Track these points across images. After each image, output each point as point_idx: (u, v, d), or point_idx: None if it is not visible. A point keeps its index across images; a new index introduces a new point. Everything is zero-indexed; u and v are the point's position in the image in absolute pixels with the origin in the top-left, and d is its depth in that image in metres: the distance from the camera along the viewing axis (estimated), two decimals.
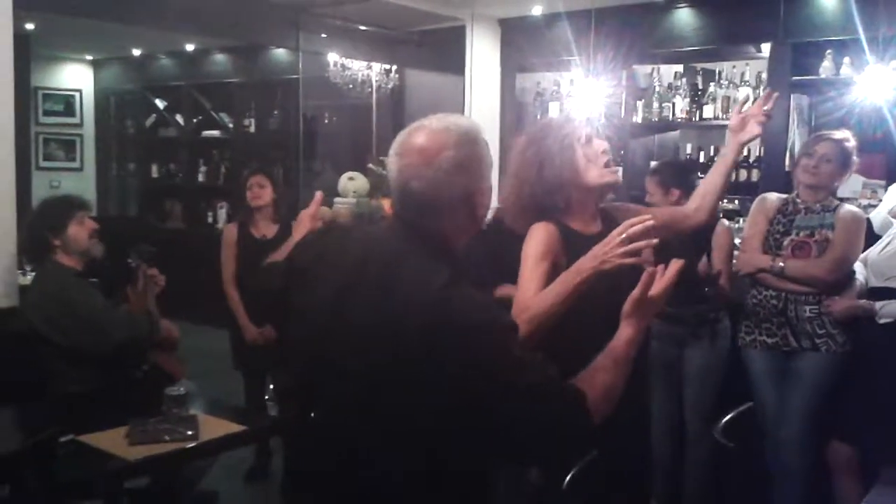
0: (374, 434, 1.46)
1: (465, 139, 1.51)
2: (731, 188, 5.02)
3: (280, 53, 7.18)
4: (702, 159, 5.27)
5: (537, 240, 2.17)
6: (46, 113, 8.44)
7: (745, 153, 5.17)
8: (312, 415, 1.59)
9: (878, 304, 3.17)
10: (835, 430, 3.29)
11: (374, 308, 1.45)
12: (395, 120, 6.63)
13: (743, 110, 2.51)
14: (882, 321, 3.16)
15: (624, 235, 1.87)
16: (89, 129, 8.83)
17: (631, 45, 5.35)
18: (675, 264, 1.65)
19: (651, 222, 1.86)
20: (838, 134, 3.38)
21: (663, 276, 1.63)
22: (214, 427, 2.62)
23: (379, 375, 1.43)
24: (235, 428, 2.61)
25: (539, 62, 5.74)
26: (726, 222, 3.69)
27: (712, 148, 5.29)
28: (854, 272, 3.36)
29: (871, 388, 3.19)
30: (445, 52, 5.97)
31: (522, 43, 5.82)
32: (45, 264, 3.12)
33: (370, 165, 5.61)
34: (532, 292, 2.07)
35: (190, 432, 2.53)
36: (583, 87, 5.45)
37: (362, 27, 5.98)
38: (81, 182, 8.76)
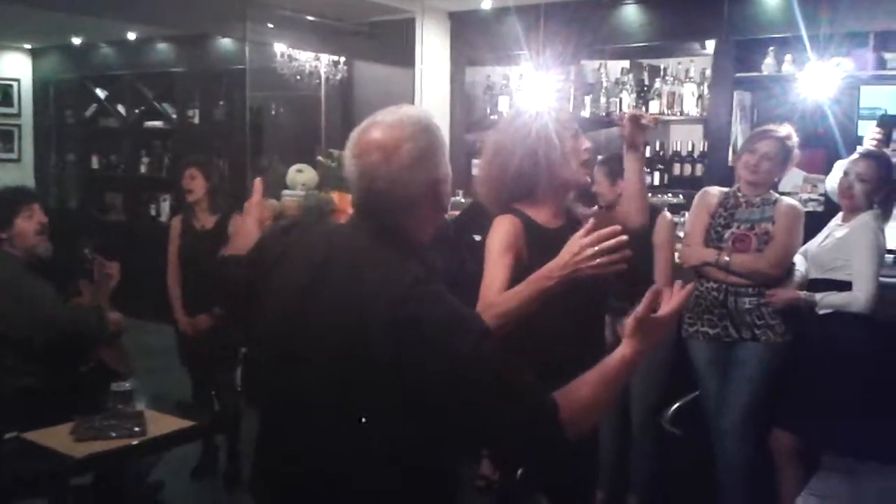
0: (339, 432, 1.45)
1: (420, 129, 1.51)
2: (676, 182, 5.13)
3: (226, 43, 7.08)
4: (648, 154, 5.34)
5: (500, 233, 2.16)
6: None
7: (690, 147, 5.28)
8: (271, 413, 1.57)
9: (817, 296, 3.27)
10: (777, 418, 3.38)
11: (339, 307, 1.44)
12: (345, 112, 6.59)
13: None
14: (821, 312, 3.26)
15: (597, 248, 1.87)
16: (27, 119, 8.59)
17: (579, 41, 5.41)
18: (689, 286, 1.59)
19: (623, 237, 1.86)
20: (781, 130, 3.46)
21: (673, 298, 1.56)
22: (161, 423, 2.59)
23: (345, 374, 1.42)
24: (181, 423, 2.59)
25: (488, 56, 5.76)
26: (668, 215, 3.74)
27: (657, 143, 5.38)
28: (794, 264, 3.46)
29: (811, 378, 3.29)
30: (395, 44, 5.95)
31: (472, 36, 5.84)
32: None
33: (319, 158, 5.56)
34: (496, 287, 2.07)
35: (136, 428, 2.50)
36: (531, 81, 5.49)
37: (311, 17, 5.91)
38: (19, 173, 8.51)
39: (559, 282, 1.93)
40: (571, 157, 2.17)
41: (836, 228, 3.41)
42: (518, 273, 2.07)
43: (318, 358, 1.45)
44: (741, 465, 3.38)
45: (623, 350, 1.52)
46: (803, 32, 4.26)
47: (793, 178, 4.57)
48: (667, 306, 1.55)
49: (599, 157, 4.01)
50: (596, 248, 1.88)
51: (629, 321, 1.54)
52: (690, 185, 5.06)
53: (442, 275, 1.53)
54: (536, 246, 2.13)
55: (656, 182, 5.32)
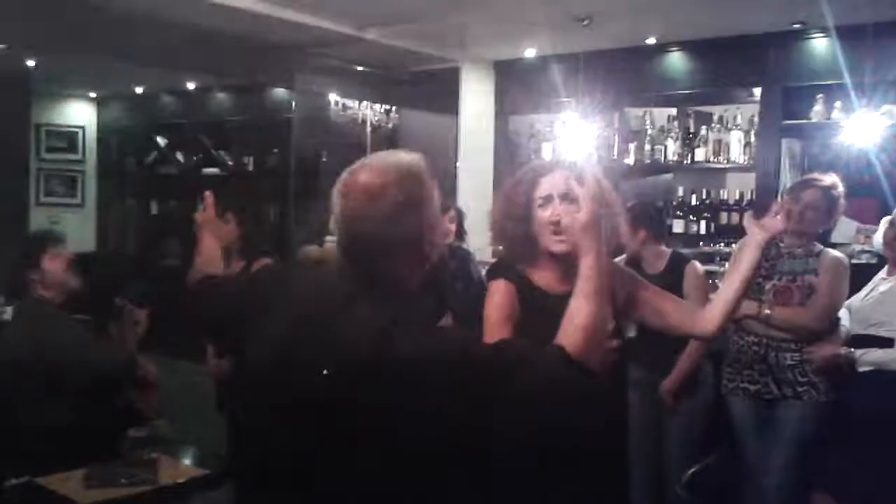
0: (328, 481, 1.42)
1: (408, 175, 1.49)
2: (724, 231, 5.01)
3: (280, 93, 7.23)
4: (694, 202, 5.24)
5: (495, 304, 2.11)
6: (49, 149, 8.49)
7: (738, 196, 5.16)
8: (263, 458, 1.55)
9: (858, 352, 3.11)
10: (817, 480, 3.21)
11: (324, 350, 1.43)
12: None
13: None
14: (862, 369, 3.10)
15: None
16: (91, 166, 8.88)
17: (622, 88, 5.37)
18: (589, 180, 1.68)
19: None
20: (826, 180, 3.34)
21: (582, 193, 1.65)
22: (175, 471, 2.58)
23: (327, 420, 1.40)
24: (194, 472, 2.57)
25: (532, 104, 5.76)
26: (698, 265, 3.62)
27: (704, 191, 5.26)
28: (839, 319, 3.31)
29: (852, 439, 3.12)
30: (440, 92, 5.99)
31: (516, 85, 5.85)
32: (25, 299, 3.10)
33: None
34: None
35: (148, 476, 2.48)
36: (574, 128, 5.45)
37: (358, 67, 6.01)
38: (82, 218, 8.81)
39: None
40: (540, 225, 2.10)
41: (880, 282, 3.26)
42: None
43: (302, 403, 1.43)
44: None
45: (583, 261, 1.60)
46: (847, 80, 4.14)
47: (845, 228, 4.42)
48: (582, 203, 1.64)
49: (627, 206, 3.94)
50: None
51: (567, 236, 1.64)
52: (739, 234, 4.93)
53: (429, 318, 1.50)
54: (531, 311, 2.06)
55: (703, 230, 5.20)
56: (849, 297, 3.32)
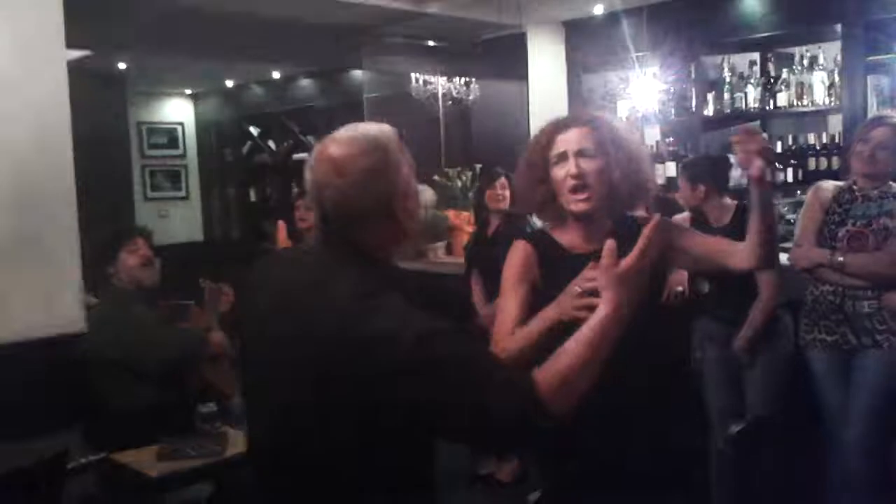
0: (313, 453, 1.47)
1: (374, 145, 1.50)
2: (812, 177, 4.78)
3: (359, 75, 7.34)
4: (779, 149, 5.01)
5: (512, 264, 2.10)
6: (151, 146, 8.93)
7: (826, 140, 4.91)
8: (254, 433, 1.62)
9: None
10: None
11: (296, 326, 1.46)
12: (464, 131, 6.64)
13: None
14: None
15: (579, 289, 1.79)
16: (192, 160, 9.29)
17: (696, 37, 5.19)
18: (654, 220, 1.56)
19: (588, 289, 1.73)
20: (895, 116, 3.15)
21: (639, 240, 1.54)
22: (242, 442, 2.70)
23: (302, 393, 1.44)
24: None
25: (605, 61, 5.63)
26: None
27: (790, 137, 5.03)
28: None
29: None
30: (509, 59, 5.94)
31: (587, 43, 5.73)
32: (107, 289, 3.30)
33: (435, 177, 5.65)
34: (509, 321, 2.01)
35: (215, 448, 2.62)
36: (648, 83, 5.31)
37: (429, 42, 6.03)
38: (188, 210, 9.25)
39: (552, 324, 1.85)
40: (557, 184, 2.06)
41: None
42: (536, 300, 2.01)
43: (279, 379, 1.48)
44: (863, 482, 3.08)
45: (600, 309, 1.49)
46: None
47: None
48: (628, 258, 1.52)
49: (684, 161, 3.84)
50: (578, 290, 1.78)
51: (599, 274, 1.52)
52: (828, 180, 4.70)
53: (405, 288, 1.51)
54: (553, 271, 2.03)
55: (790, 179, 4.98)
56: None
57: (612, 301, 1.50)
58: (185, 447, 2.62)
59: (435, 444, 1.56)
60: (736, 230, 3.35)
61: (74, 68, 6.33)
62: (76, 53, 6.23)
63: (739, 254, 2.13)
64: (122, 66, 7.16)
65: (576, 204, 2.05)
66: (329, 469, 1.46)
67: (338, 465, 1.45)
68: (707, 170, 3.54)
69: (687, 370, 3.64)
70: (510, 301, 2.05)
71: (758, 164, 1.96)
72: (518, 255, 2.10)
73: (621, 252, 2.10)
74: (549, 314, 1.90)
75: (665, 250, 2.19)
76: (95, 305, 3.32)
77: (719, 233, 3.40)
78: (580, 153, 2.05)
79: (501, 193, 4.09)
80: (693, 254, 2.19)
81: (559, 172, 2.06)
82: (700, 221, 3.49)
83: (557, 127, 2.11)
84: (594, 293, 1.72)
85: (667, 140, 5.46)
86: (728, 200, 3.53)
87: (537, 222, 4.06)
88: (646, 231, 1.55)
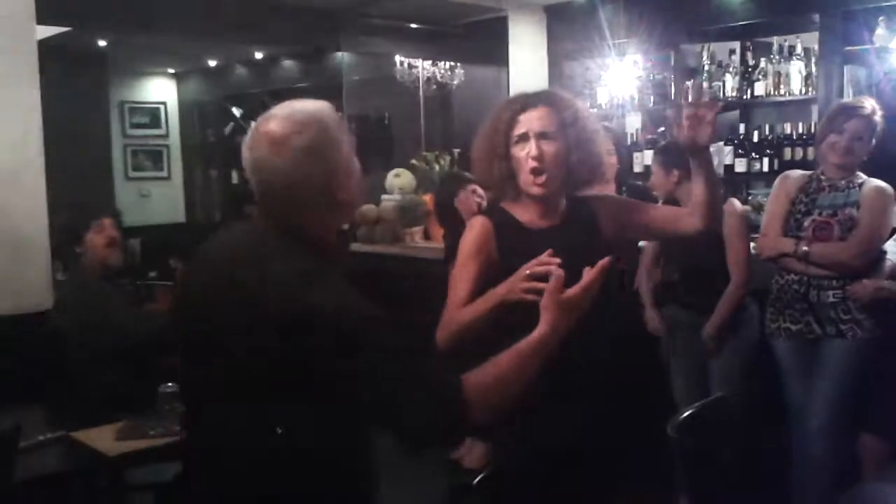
0: (246, 429, 1.46)
1: (312, 122, 1.49)
2: (788, 167, 4.78)
3: (344, 56, 7.30)
4: (756, 139, 5.02)
5: (469, 238, 2.12)
6: (134, 125, 8.85)
7: (801, 130, 4.91)
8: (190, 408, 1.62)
9: None
10: (866, 422, 3.09)
11: (234, 305, 1.46)
12: (444, 115, 6.62)
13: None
14: None
15: (528, 272, 1.83)
16: (175, 140, 9.21)
17: (677, 25, 5.18)
18: (600, 264, 1.57)
19: (553, 267, 1.75)
20: (867, 106, 3.15)
21: (585, 275, 1.55)
22: None
23: (238, 372, 1.44)
24: None
25: (585, 47, 5.59)
26: (736, 203, 3.50)
27: (767, 126, 5.03)
28: (884, 252, 3.15)
29: None
30: (490, 44, 5.91)
31: (568, 29, 5.71)
32: (73, 268, 3.29)
33: (413, 161, 5.63)
34: (461, 295, 2.04)
35: (176, 428, 2.61)
36: (627, 70, 5.31)
37: (406, 24, 6.00)
38: (170, 190, 9.19)
39: (497, 304, 1.90)
40: (517, 164, 2.08)
41: None
42: (493, 276, 2.02)
43: (215, 360, 1.48)
44: (825, 470, 3.11)
45: (539, 328, 1.51)
46: None
47: None
48: (576, 287, 1.54)
49: (657, 147, 3.84)
50: (528, 272, 1.83)
51: (545, 295, 1.53)
52: (804, 170, 4.70)
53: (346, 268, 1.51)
54: (510, 245, 2.05)
55: (766, 168, 4.98)
56: None
57: (551, 322, 1.52)
58: (146, 426, 2.61)
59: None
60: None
61: (54, 46, 6.31)
62: (55, 30, 6.18)
63: (687, 217, 2.21)
64: (102, 44, 7.08)
65: (534, 187, 2.08)
66: (264, 448, 1.46)
67: (273, 443, 1.44)
68: (681, 155, 3.55)
69: (654, 357, 3.66)
70: (464, 275, 2.08)
71: (708, 132, 2.01)
72: (475, 230, 2.12)
73: (572, 231, 2.13)
74: (498, 292, 1.94)
75: (619, 231, 2.22)
76: (62, 284, 3.31)
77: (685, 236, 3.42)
78: (541, 135, 2.07)
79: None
80: (645, 225, 2.27)
81: (520, 152, 2.09)
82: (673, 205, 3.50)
83: (520, 106, 2.13)
84: (543, 278, 1.73)
85: (660, 130, 5.41)
86: None
87: None
88: (593, 271, 1.56)
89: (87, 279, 3.20)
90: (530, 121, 2.08)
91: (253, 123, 1.55)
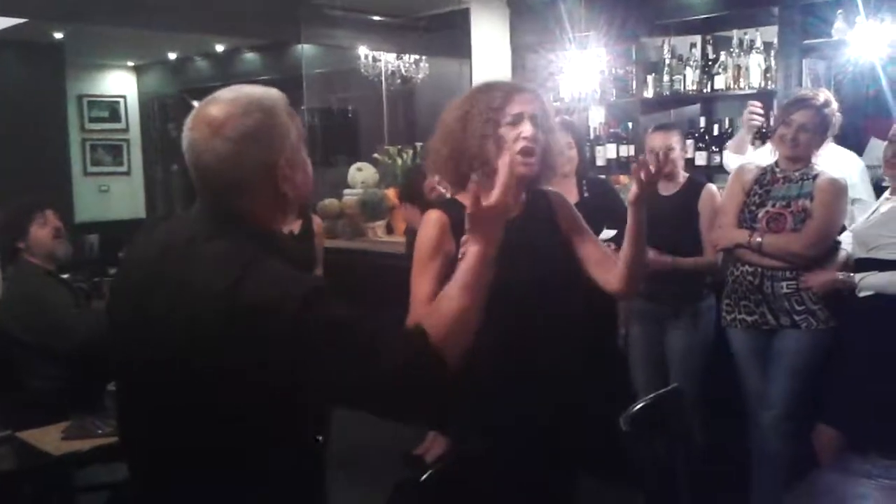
0: (193, 424, 1.41)
1: (256, 107, 1.44)
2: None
3: (307, 49, 7.23)
4: (715, 132, 5.04)
5: (426, 237, 2.06)
6: (92, 119, 8.73)
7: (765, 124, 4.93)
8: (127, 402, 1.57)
9: (857, 276, 2.97)
10: (821, 413, 3.10)
11: (171, 297, 1.41)
12: (407, 108, 6.59)
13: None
14: (862, 294, 2.96)
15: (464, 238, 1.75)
16: (135, 134, 9.10)
17: (638, 18, 5.17)
18: (506, 160, 1.59)
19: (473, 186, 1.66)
20: (820, 97, 3.17)
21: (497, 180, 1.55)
22: None
23: (182, 370, 1.39)
24: None
25: (548, 40, 5.58)
26: (713, 187, 3.53)
27: (727, 120, 5.05)
28: (839, 244, 3.17)
29: (856, 369, 2.99)
30: (452, 37, 5.88)
31: (531, 22, 5.68)
32: (17, 264, 3.21)
33: (375, 155, 5.59)
34: (423, 299, 1.98)
35: None
36: (589, 64, 5.30)
37: (368, 16, 5.95)
38: (130, 185, 9.07)
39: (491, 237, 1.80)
40: (505, 146, 2.01)
41: (883, 202, 3.09)
42: (452, 271, 1.98)
43: (157, 357, 1.42)
44: (781, 462, 3.13)
45: (470, 250, 1.51)
46: None
47: (875, 149, 4.20)
48: (492, 195, 1.53)
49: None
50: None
51: (466, 219, 1.54)
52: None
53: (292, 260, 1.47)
54: None
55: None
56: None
57: (480, 240, 1.51)
58: (93, 426, 2.55)
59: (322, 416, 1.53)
60: (682, 199, 3.50)
61: (8, 38, 6.18)
62: (10, 22, 6.06)
63: (614, 274, 2.16)
64: (59, 35, 6.95)
65: (522, 167, 2.02)
66: (212, 445, 1.41)
67: (223, 439, 1.40)
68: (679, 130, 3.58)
69: (611, 346, 3.66)
70: (423, 277, 2.02)
71: (643, 188, 2.02)
72: (431, 227, 2.07)
73: (532, 223, 2.10)
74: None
75: (569, 232, 2.20)
76: (5, 281, 3.23)
77: (666, 201, 3.43)
78: (534, 118, 2.05)
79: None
80: (578, 257, 2.20)
81: (510, 132, 2.03)
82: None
83: (514, 88, 2.10)
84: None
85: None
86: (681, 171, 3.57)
87: None
88: (502, 169, 1.56)
89: (31, 274, 3.13)
90: (525, 103, 2.05)
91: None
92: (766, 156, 3.43)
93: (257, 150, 1.43)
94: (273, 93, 1.51)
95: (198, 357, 1.37)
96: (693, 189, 3.53)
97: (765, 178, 3.23)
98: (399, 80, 6.91)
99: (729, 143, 4.17)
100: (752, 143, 4.04)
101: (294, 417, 1.45)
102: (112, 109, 8.88)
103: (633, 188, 2.04)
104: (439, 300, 1.49)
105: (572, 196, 3.69)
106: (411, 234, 4.20)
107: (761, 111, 3.67)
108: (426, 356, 1.38)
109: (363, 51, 6.71)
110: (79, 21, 6.11)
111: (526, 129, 2.03)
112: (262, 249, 1.42)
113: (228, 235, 1.43)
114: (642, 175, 1.99)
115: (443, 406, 1.61)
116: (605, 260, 2.21)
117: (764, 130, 4.42)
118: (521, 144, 2.02)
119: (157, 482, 1.51)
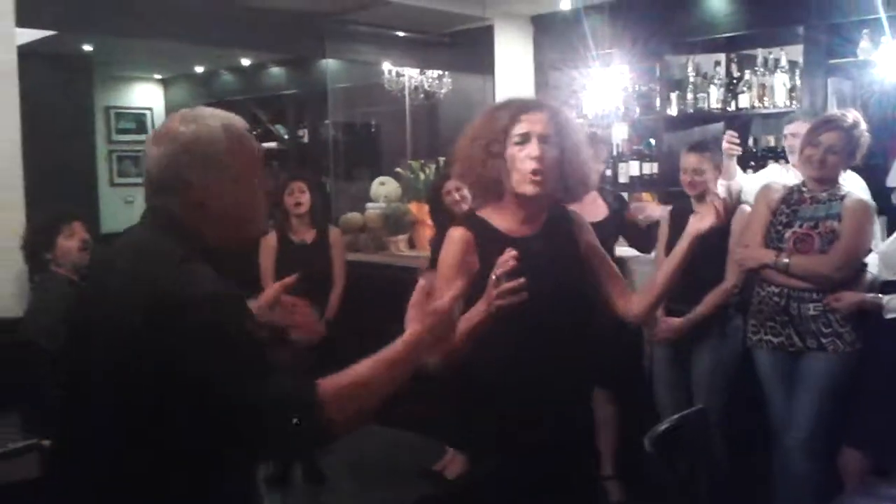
0: (119, 419, 1.41)
1: (213, 128, 1.51)
2: None
3: (332, 64, 7.27)
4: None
5: (450, 254, 2.08)
6: (119, 131, 8.80)
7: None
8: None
9: (885, 298, 2.95)
10: (846, 436, 3.07)
11: (112, 303, 1.44)
12: (431, 123, 6.61)
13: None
14: (889, 316, 2.93)
15: (494, 278, 1.80)
16: None
17: (663, 36, 5.18)
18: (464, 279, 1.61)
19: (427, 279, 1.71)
20: (848, 118, 3.15)
21: (452, 286, 1.57)
22: None
23: (107, 372, 1.41)
24: None
25: (571, 57, 5.60)
26: (747, 208, 3.49)
27: (750, 139, 5.03)
28: (865, 265, 3.14)
29: (880, 390, 2.96)
30: (476, 53, 5.91)
31: (555, 39, 5.71)
32: (44, 274, 3.24)
33: (398, 169, 5.61)
34: None
35: None
36: (613, 81, 5.31)
37: (392, 32, 5.99)
38: None
39: (484, 318, 1.85)
40: (516, 166, 2.03)
41: None
42: (474, 288, 1.98)
43: (95, 359, 1.45)
44: (806, 484, 3.09)
45: (404, 337, 1.50)
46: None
47: None
48: (440, 301, 1.53)
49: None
50: (494, 278, 1.81)
51: (409, 306, 1.53)
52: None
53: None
54: (491, 256, 1.99)
55: None
56: None
57: (416, 330, 1.51)
58: None
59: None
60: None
61: (37, 50, 6.26)
62: (40, 34, 6.14)
63: (632, 299, 2.17)
64: (88, 48, 7.04)
65: (530, 185, 2.03)
66: (130, 451, 1.41)
67: (139, 445, 1.40)
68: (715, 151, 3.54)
69: (637, 368, 3.65)
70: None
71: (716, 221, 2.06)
72: (455, 245, 2.07)
73: (552, 240, 2.10)
74: (479, 308, 1.87)
75: (587, 252, 2.20)
76: (32, 291, 3.26)
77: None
78: (543, 137, 2.04)
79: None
80: (595, 280, 2.19)
81: (518, 153, 2.04)
82: (686, 207, 3.50)
83: (520, 107, 2.09)
84: (514, 275, 1.72)
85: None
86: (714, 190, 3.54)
87: None
88: (455, 286, 1.58)
89: (57, 285, 3.16)
90: (533, 122, 2.05)
91: None
92: (774, 175, 3.41)
93: (210, 169, 1.49)
94: (232, 117, 1.57)
95: (117, 357, 1.39)
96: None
97: (792, 198, 3.21)
98: (422, 95, 6.94)
99: None
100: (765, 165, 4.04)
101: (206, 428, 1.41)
102: (139, 121, 8.96)
103: (701, 221, 2.06)
104: (354, 366, 1.46)
105: (601, 210, 3.70)
106: (437, 245, 4.20)
107: (738, 140, 3.67)
108: (309, 416, 1.36)
109: (387, 66, 6.76)
110: (108, 34, 6.18)
111: (532, 149, 2.03)
112: (190, 248, 1.47)
113: (160, 233, 1.49)
114: (720, 210, 2.03)
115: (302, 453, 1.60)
116: (620, 284, 2.21)
117: (779, 151, 4.42)
118: (528, 165, 2.03)
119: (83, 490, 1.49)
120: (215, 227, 1.54)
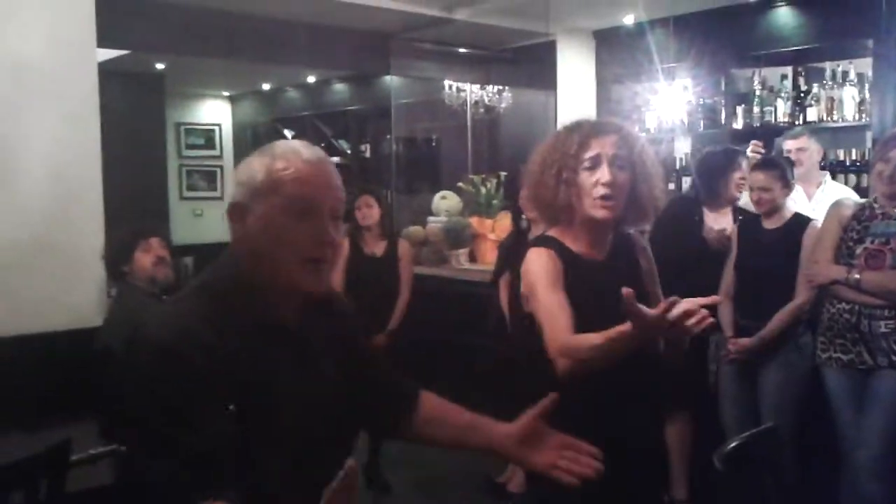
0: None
1: (256, 155, 1.52)
2: None
3: (394, 80, 7.39)
4: None
5: (542, 269, 2.03)
6: (189, 146, 9.07)
7: (855, 156, 4.82)
8: None
9: None
10: None
11: None
12: (492, 138, 6.65)
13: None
14: None
15: (669, 317, 1.63)
16: (229, 161, 9.40)
17: (728, 50, 5.15)
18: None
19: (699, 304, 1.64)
20: None
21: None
22: None
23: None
24: None
25: (634, 71, 5.60)
26: (818, 225, 3.43)
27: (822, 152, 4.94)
28: None
29: None
30: (539, 68, 5.94)
31: (616, 53, 5.71)
32: (122, 286, 3.36)
33: (460, 184, 5.67)
34: (564, 325, 1.92)
35: None
36: (677, 95, 5.28)
37: (455, 48, 6.06)
38: (222, 209, 9.24)
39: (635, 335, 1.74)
40: (584, 191, 2.01)
41: None
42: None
43: None
44: (875, 503, 3.02)
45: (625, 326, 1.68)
46: None
47: None
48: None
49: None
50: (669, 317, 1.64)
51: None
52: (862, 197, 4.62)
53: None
54: (575, 278, 2.00)
55: None
56: None
57: (638, 328, 1.65)
58: None
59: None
60: (786, 235, 3.41)
61: (112, 68, 6.49)
62: (114, 53, 6.38)
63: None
64: (160, 66, 7.29)
65: (602, 210, 2.01)
66: None
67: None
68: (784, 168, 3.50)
69: (701, 384, 3.61)
70: (554, 307, 1.96)
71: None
72: (545, 259, 2.04)
73: (619, 266, 2.10)
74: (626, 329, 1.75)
75: (646, 278, 2.18)
76: (112, 301, 3.38)
77: (770, 235, 3.40)
78: (613, 161, 2.02)
79: None
80: (648, 297, 2.11)
81: (589, 177, 2.02)
82: (755, 221, 3.50)
83: (590, 130, 2.06)
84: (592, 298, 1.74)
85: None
86: (790, 202, 3.51)
87: None
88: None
89: (133, 296, 3.27)
90: (604, 145, 2.02)
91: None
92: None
93: (238, 190, 1.50)
94: (273, 152, 1.55)
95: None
96: (798, 225, 3.42)
97: (863, 214, 3.16)
98: (483, 110, 7.00)
99: None
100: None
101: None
102: (208, 137, 9.23)
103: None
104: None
105: (728, 224, 3.72)
106: (504, 249, 4.21)
107: (763, 151, 3.64)
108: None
109: (447, 81, 6.84)
110: (179, 53, 6.39)
111: (604, 174, 2.00)
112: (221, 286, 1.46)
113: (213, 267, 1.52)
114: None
115: None
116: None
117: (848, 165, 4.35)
118: (599, 191, 2.00)
119: None
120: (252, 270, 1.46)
